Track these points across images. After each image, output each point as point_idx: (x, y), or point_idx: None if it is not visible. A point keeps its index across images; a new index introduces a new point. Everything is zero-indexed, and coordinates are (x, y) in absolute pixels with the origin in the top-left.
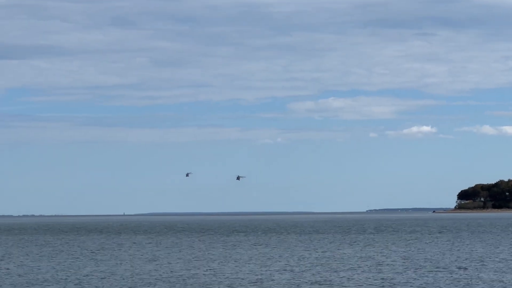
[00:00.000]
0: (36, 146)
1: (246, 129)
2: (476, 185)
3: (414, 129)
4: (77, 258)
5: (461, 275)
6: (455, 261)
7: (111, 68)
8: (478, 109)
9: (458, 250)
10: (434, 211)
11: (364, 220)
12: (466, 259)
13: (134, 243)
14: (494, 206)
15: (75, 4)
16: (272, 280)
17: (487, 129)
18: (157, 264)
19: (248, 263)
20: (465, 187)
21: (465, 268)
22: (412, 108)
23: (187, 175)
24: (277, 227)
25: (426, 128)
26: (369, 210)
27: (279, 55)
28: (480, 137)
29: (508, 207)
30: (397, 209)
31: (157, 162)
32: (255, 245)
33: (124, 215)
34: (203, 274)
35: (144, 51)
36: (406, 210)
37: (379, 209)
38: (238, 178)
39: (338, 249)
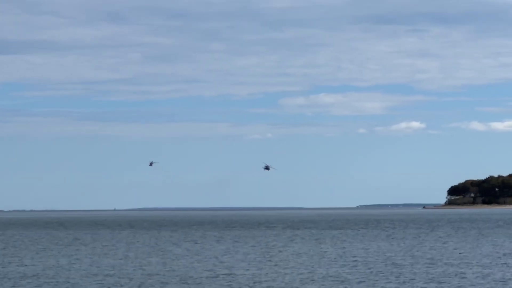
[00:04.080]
0: (29, 141)
1: (237, 124)
2: (466, 181)
3: (403, 125)
4: (37, 252)
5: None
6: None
7: (104, 63)
8: (468, 105)
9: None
10: (424, 207)
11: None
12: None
13: (100, 237)
14: (484, 202)
15: (69, 0)
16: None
17: (476, 125)
18: (110, 258)
19: (205, 258)
20: (455, 183)
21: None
22: (403, 104)
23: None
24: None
25: (415, 124)
26: (359, 206)
27: (271, 50)
28: (469, 133)
29: (498, 203)
30: (388, 205)
31: (149, 157)
32: (220, 239)
33: (115, 210)
34: (147, 269)
35: (137, 46)
36: (397, 205)
37: (369, 205)
38: (267, 168)
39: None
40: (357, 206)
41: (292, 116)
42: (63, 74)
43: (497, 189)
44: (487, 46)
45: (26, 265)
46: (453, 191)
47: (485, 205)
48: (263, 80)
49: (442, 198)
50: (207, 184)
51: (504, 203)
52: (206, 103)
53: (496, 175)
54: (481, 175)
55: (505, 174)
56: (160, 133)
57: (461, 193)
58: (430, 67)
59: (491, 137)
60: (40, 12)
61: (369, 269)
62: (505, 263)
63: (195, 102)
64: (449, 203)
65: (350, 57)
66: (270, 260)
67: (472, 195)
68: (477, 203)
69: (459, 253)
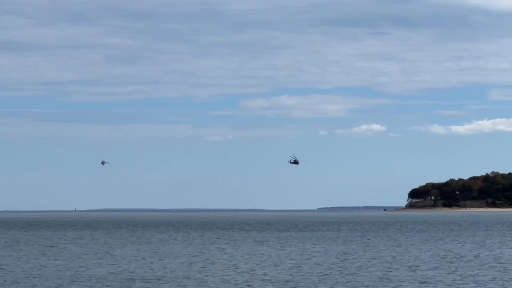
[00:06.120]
0: None
1: (198, 126)
2: (427, 183)
3: (364, 127)
4: None
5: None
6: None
7: (66, 64)
8: (429, 108)
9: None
10: (385, 210)
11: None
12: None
13: (45, 238)
14: (445, 205)
15: (31, 0)
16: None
17: (437, 128)
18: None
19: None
20: (416, 186)
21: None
22: (364, 106)
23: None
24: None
25: (375, 127)
26: (320, 208)
27: (233, 52)
28: (429, 136)
29: (458, 206)
30: (348, 207)
31: (110, 158)
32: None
33: (75, 211)
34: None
35: (99, 47)
36: (358, 208)
37: (330, 207)
38: (296, 162)
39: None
40: (318, 209)
41: (253, 118)
42: (24, 75)
43: (457, 192)
44: (448, 50)
45: None
46: (414, 194)
47: (446, 208)
48: (224, 82)
49: (403, 201)
50: (168, 186)
51: (464, 206)
52: (168, 105)
53: (456, 178)
54: (441, 178)
55: (465, 177)
56: (122, 134)
57: (422, 196)
58: (392, 70)
59: (451, 141)
60: (2, 12)
61: (311, 272)
62: (456, 267)
63: (157, 104)
64: (410, 206)
65: (311, 60)
66: (216, 263)
67: (432, 198)
68: (438, 206)
69: (409, 256)
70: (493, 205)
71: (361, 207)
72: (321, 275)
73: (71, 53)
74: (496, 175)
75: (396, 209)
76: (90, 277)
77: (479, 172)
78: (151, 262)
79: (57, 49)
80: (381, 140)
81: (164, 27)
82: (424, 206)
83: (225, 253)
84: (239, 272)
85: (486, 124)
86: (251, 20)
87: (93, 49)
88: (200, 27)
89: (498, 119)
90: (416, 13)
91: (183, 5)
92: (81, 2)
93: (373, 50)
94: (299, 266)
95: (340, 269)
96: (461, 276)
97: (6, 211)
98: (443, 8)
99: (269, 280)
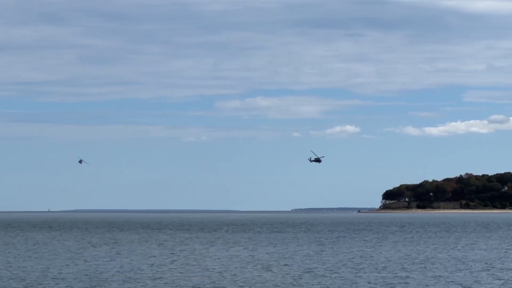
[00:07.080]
0: None
1: (173, 127)
2: (401, 185)
3: (338, 129)
4: None
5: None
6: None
7: (39, 64)
8: (403, 110)
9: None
10: (359, 211)
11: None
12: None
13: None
14: (419, 206)
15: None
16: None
17: (410, 129)
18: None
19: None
20: (390, 187)
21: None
22: (339, 108)
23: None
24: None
25: (349, 128)
26: (294, 210)
27: (208, 53)
28: (403, 137)
29: (432, 207)
30: (323, 209)
31: (84, 159)
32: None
33: (49, 211)
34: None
35: (73, 48)
36: (332, 209)
37: (304, 209)
38: (317, 160)
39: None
40: (292, 210)
41: (227, 119)
42: None
43: (431, 194)
44: (423, 52)
45: None
46: (388, 195)
47: (420, 210)
48: (199, 82)
49: (377, 202)
50: (142, 186)
51: (438, 207)
52: (142, 105)
53: (430, 180)
54: (415, 180)
55: (439, 179)
56: (96, 135)
57: (396, 197)
58: (366, 72)
59: (425, 142)
60: None
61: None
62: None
63: (131, 104)
64: (384, 207)
65: (286, 61)
66: (181, 263)
67: (406, 199)
68: (412, 208)
69: (372, 257)
70: (467, 206)
71: (335, 208)
72: (283, 277)
73: (45, 53)
74: (469, 176)
75: (370, 210)
76: (55, 277)
77: (453, 173)
78: (111, 263)
79: (30, 49)
80: (355, 142)
81: (138, 27)
82: (398, 208)
83: (190, 254)
84: (200, 273)
85: (459, 126)
86: (225, 21)
87: (67, 50)
88: (175, 28)
89: (471, 121)
90: (391, 14)
91: (158, 5)
92: (54, 2)
93: (348, 52)
94: (267, 267)
95: (302, 271)
96: (424, 277)
97: None
98: (418, 10)
99: (233, 280)
